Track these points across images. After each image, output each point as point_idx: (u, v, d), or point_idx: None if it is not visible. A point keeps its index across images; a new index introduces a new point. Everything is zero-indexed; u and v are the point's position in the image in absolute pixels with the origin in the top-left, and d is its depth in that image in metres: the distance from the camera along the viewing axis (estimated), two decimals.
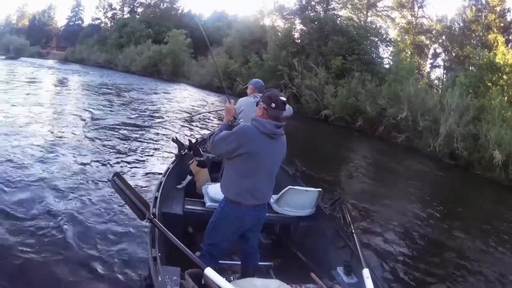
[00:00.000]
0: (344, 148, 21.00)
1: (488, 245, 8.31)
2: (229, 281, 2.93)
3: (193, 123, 16.63)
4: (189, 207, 5.16)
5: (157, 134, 13.39)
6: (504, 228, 9.91)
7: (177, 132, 13.19)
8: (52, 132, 11.02)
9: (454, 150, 20.11)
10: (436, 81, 40.70)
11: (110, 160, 9.21)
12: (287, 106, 5.52)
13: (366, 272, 3.54)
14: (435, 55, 44.48)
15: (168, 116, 18.17)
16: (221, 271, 3.50)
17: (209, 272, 2.83)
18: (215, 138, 3.71)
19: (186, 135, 12.62)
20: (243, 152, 3.55)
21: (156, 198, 4.67)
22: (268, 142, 3.61)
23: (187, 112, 20.58)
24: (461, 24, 41.01)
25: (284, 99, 3.67)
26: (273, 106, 3.59)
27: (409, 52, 40.60)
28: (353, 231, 4.45)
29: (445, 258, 7.26)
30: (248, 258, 4.23)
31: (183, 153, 6.64)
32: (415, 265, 6.65)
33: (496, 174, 17.34)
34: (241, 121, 4.23)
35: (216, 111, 20.29)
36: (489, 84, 24.74)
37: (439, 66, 44.04)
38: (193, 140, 6.94)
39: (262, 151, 3.60)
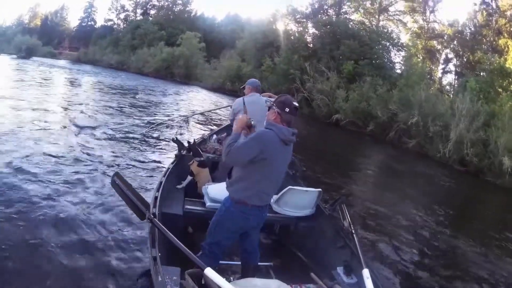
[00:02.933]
0: (354, 152, 21.17)
1: (493, 251, 8.33)
2: (229, 281, 2.93)
3: (194, 123, 16.63)
4: (189, 207, 5.21)
5: (158, 134, 13.41)
6: (507, 235, 9.80)
7: (177, 132, 13.19)
8: (55, 131, 11.23)
9: (464, 156, 20.04)
10: (447, 87, 40.46)
11: (110, 159, 9.28)
12: None
13: (366, 272, 3.60)
14: (447, 60, 44.23)
15: (171, 117, 18.09)
16: (221, 271, 3.54)
17: (209, 272, 2.85)
18: (230, 148, 3.64)
19: (186, 135, 12.72)
20: (263, 157, 3.57)
21: (156, 198, 4.70)
22: (282, 148, 3.71)
23: (191, 112, 20.54)
24: (472, 29, 41.03)
25: (297, 104, 3.77)
26: (287, 111, 3.68)
27: (421, 57, 40.50)
28: (353, 231, 4.55)
29: (447, 261, 7.34)
30: (248, 257, 4.25)
31: (183, 153, 6.67)
32: (415, 266, 6.76)
33: (506, 180, 17.28)
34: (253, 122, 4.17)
35: (218, 108, 20.30)
36: (500, 89, 24.59)
37: (450, 72, 43.82)
38: (192, 141, 6.90)
39: (277, 157, 3.68)
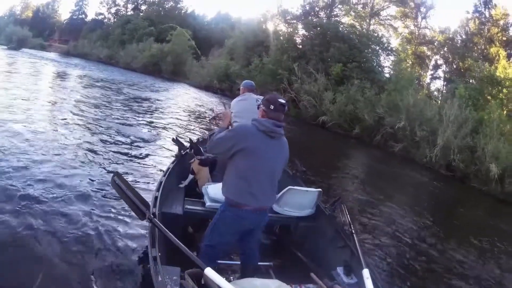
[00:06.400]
0: (340, 155, 20.99)
1: (482, 255, 8.50)
2: (229, 281, 2.93)
3: (193, 123, 16.52)
4: (189, 207, 5.18)
5: (157, 134, 13.28)
6: (497, 241, 10.01)
7: (177, 132, 13.02)
8: (50, 130, 10.77)
9: (451, 162, 20.14)
10: (435, 93, 40.70)
11: (110, 159, 9.11)
12: None
13: (366, 272, 3.58)
14: (436, 66, 44.80)
15: (169, 116, 18.10)
16: (220, 271, 3.60)
17: (209, 272, 2.86)
18: (214, 138, 3.84)
19: (186, 135, 12.58)
20: (240, 148, 3.62)
21: (156, 198, 4.69)
22: (267, 141, 3.69)
23: (191, 113, 20.68)
24: (464, 37, 41.37)
25: (283, 101, 3.80)
26: (272, 108, 3.73)
27: (410, 62, 40.70)
28: (353, 231, 4.55)
29: (440, 264, 7.37)
30: (248, 258, 4.25)
31: (183, 153, 6.72)
32: (414, 266, 6.87)
33: (492, 187, 17.34)
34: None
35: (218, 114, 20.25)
36: (489, 97, 24.78)
37: (439, 78, 44.34)
38: (194, 140, 6.98)
39: (260, 149, 3.66)
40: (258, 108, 3.99)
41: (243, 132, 3.72)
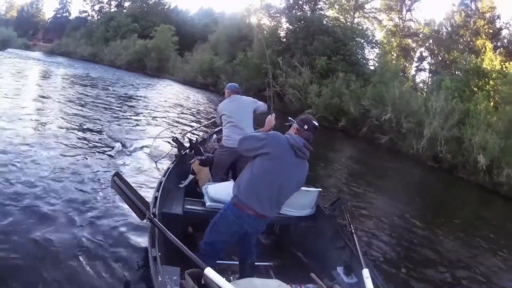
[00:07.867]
0: (327, 148, 20.75)
1: (475, 247, 8.65)
2: (229, 281, 2.89)
3: (193, 124, 16.36)
4: (189, 207, 5.14)
5: (157, 134, 12.94)
6: (488, 231, 10.20)
7: (175, 132, 13.02)
8: (46, 132, 10.35)
9: (438, 153, 20.33)
10: (421, 84, 40.97)
11: (109, 160, 8.97)
12: (261, 102, 6.29)
13: (366, 272, 3.58)
14: (421, 58, 45.15)
15: (164, 116, 17.99)
16: (220, 271, 3.47)
17: (209, 272, 2.83)
18: (248, 135, 4.05)
19: (186, 135, 12.35)
20: (266, 151, 3.72)
21: (156, 198, 4.71)
22: (292, 156, 3.77)
23: (184, 111, 20.73)
24: (449, 29, 41.44)
25: (316, 123, 3.97)
26: (305, 128, 3.89)
27: (395, 55, 40.78)
28: (353, 231, 4.58)
29: (440, 258, 7.46)
30: (245, 256, 4.25)
31: (183, 153, 6.67)
32: (413, 263, 6.87)
33: (480, 177, 17.50)
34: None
35: (209, 122, 20.19)
36: (475, 89, 24.92)
37: (424, 69, 44.76)
38: (194, 140, 6.97)
39: (283, 159, 3.74)
40: (289, 127, 4.11)
41: (275, 137, 3.81)
